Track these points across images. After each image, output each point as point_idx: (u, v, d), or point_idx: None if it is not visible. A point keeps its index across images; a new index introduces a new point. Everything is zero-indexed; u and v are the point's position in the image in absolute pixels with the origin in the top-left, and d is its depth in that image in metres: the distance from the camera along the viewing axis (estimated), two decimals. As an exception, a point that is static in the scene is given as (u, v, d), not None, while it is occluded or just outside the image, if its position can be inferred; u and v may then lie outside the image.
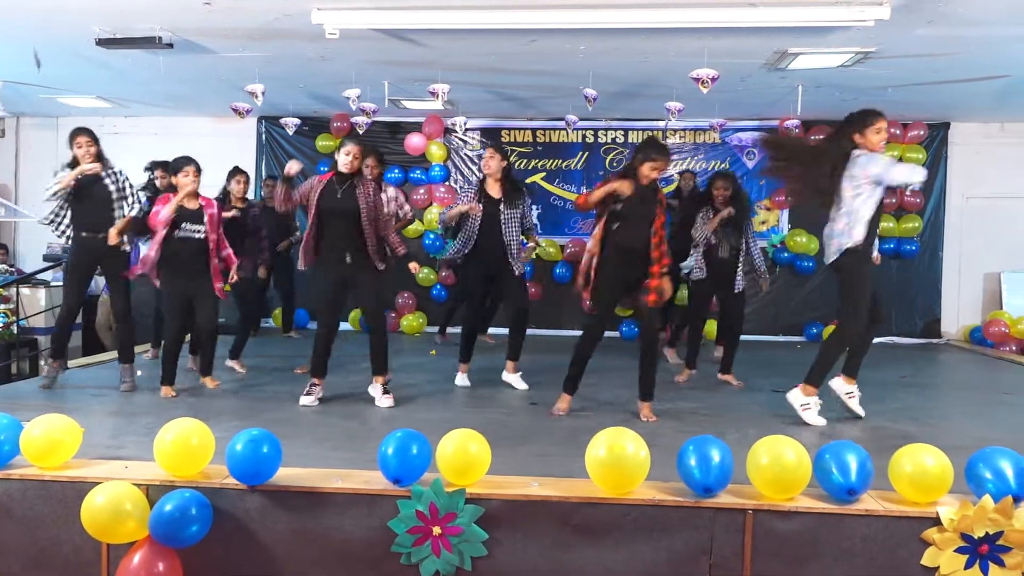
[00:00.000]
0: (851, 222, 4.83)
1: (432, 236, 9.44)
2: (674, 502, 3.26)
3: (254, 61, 6.90)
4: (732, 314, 6.41)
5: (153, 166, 7.05)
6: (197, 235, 5.47)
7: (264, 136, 9.95)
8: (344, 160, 5.16)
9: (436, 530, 3.25)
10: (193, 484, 3.36)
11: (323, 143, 9.76)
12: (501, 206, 5.77)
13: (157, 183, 6.92)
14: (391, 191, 6.57)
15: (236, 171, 6.69)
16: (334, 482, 3.40)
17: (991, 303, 9.71)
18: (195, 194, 5.49)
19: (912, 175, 4.79)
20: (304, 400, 5.30)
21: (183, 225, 5.45)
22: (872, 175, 4.73)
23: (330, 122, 9.64)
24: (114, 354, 6.50)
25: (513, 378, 6.00)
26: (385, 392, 5.36)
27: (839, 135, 4.88)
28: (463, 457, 3.33)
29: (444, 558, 3.25)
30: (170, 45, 6.24)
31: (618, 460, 3.25)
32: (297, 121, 8.92)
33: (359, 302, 5.54)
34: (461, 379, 6.05)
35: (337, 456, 3.98)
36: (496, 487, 3.36)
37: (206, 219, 5.50)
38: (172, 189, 5.55)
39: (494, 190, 5.82)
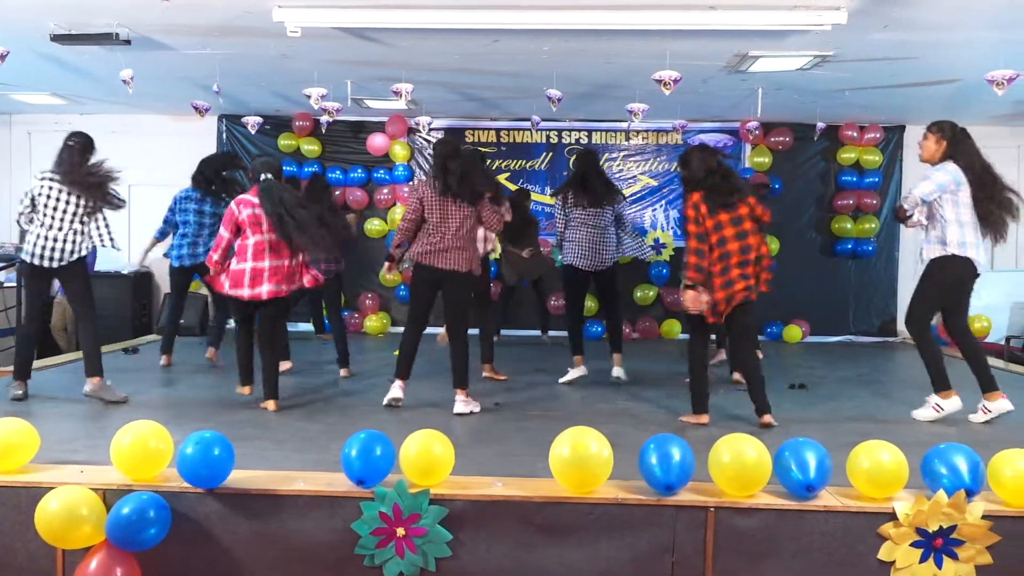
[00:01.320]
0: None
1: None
2: (636, 500, 3.28)
3: (214, 59, 6.81)
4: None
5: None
6: None
7: (225, 135, 9.82)
8: None
9: (400, 531, 3.23)
10: (152, 488, 3.31)
11: (285, 142, 9.67)
12: None
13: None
14: None
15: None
16: (296, 484, 3.37)
17: (945, 302, 9.92)
18: None
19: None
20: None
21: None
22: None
23: (292, 121, 9.56)
24: (71, 356, 6.39)
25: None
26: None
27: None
28: (427, 458, 3.32)
29: (408, 559, 3.24)
30: (128, 42, 6.13)
31: (581, 459, 3.26)
32: (259, 120, 8.82)
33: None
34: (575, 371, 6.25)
35: (300, 458, 3.94)
36: (460, 488, 3.35)
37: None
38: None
39: None
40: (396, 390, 5.28)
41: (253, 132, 9.04)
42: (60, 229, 5.14)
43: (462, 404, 5.14)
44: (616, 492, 3.33)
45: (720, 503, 3.27)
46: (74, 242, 5.18)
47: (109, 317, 8.75)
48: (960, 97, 8.04)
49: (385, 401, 5.25)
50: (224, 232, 5.15)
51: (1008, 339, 8.46)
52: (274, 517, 3.31)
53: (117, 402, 5.23)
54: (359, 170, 9.72)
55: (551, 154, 9.83)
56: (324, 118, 8.30)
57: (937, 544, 3.19)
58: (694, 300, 4.72)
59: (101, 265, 9.22)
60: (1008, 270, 9.87)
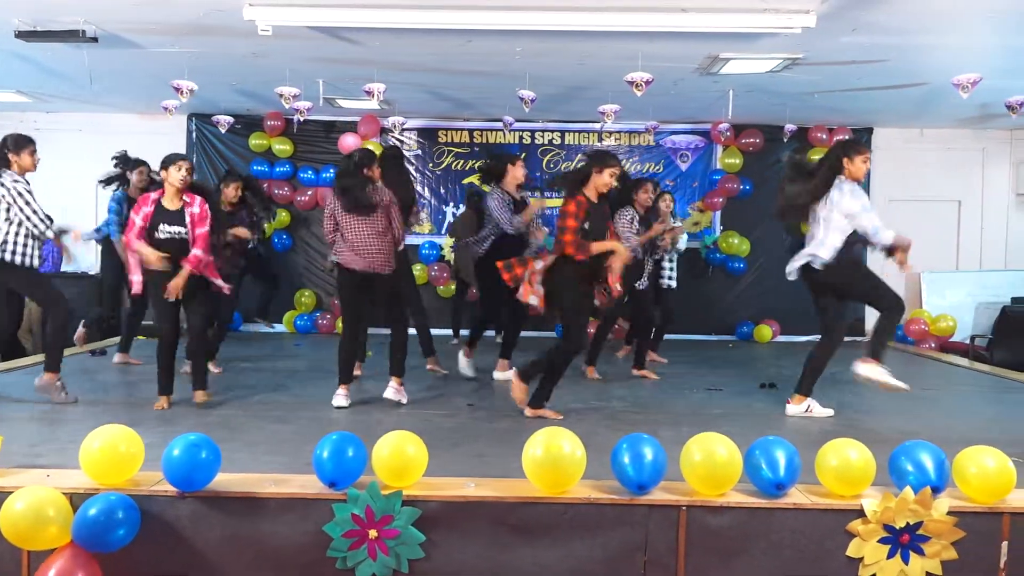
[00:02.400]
0: (822, 240, 5.00)
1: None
2: (609, 500, 3.30)
3: (184, 57, 6.74)
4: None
5: (127, 162, 6.62)
6: (178, 236, 5.08)
7: (195, 134, 9.72)
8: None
9: (372, 533, 3.22)
10: (122, 492, 3.26)
11: (256, 141, 9.59)
12: None
13: (133, 179, 6.57)
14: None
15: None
16: (268, 487, 3.35)
17: (912, 302, 10.07)
18: (180, 192, 5.10)
19: (880, 232, 4.97)
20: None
21: (160, 227, 5.05)
22: (846, 209, 4.88)
23: (264, 120, 9.49)
24: (38, 358, 6.28)
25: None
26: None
27: (830, 157, 5.02)
28: (399, 459, 3.31)
29: (381, 561, 3.23)
30: (95, 39, 6.04)
31: (555, 460, 3.27)
32: (230, 119, 8.75)
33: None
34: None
35: (271, 460, 3.91)
36: (433, 489, 3.35)
37: (187, 218, 5.08)
38: (149, 188, 5.29)
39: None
40: (341, 398, 5.31)
41: (223, 131, 8.97)
42: None
43: (393, 391, 5.36)
44: (589, 492, 3.34)
45: (692, 502, 3.29)
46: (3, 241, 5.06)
47: (75, 319, 8.60)
48: (927, 100, 8.18)
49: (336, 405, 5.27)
50: (135, 216, 5.16)
51: (972, 338, 8.61)
52: (246, 520, 3.28)
53: (64, 404, 5.16)
54: (331, 170, 9.62)
55: (524, 154, 9.68)
56: (296, 117, 8.25)
57: (904, 540, 3.24)
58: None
59: (67, 265, 9.06)
60: (972, 271, 10.07)
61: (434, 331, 6.90)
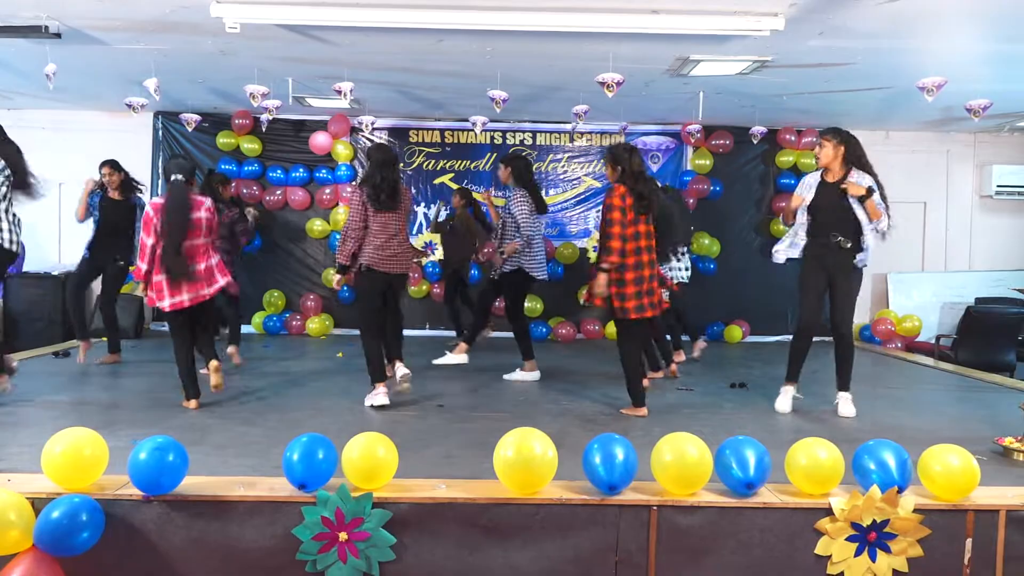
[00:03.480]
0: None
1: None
2: (580, 500, 3.31)
3: (150, 54, 6.65)
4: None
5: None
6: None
7: (161, 132, 9.59)
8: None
9: (342, 536, 3.20)
10: (86, 495, 3.21)
11: (224, 140, 9.49)
12: None
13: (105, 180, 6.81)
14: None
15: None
16: (236, 490, 3.32)
17: (879, 303, 10.23)
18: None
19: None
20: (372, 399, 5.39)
21: None
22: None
23: (232, 119, 9.39)
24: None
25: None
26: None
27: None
28: (370, 461, 3.30)
29: (351, 564, 3.21)
30: (58, 35, 5.94)
31: (526, 461, 3.28)
32: (197, 117, 8.64)
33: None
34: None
35: (240, 463, 3.89)
36: (403, 490, 3.34)
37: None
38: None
39: None
40: (381, 396, 5.34)
41: (190, 130, 8.86)
42: None
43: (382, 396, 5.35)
44: (561, 492, 3.35)
45: (663, 501, 3.31)
46: None
47: (38, 320, 8.47)
48: (892, 103, 8.30)
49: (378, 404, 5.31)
50: (146, 239, 5.06)
51: (938, 338, 8.75)
52: (214, 523, 3.25)
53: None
54: (301, 169, 9.59)
55: (495, 155, 9.83)
56: (264, 116, 8.18)
57: (871, 538, 3.29)
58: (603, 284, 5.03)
59: (30, 265, 8.94)
60: (938, 272, 10.24)
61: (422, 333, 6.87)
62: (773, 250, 5.57)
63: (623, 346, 5.23)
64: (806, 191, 5.36)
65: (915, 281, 10.14)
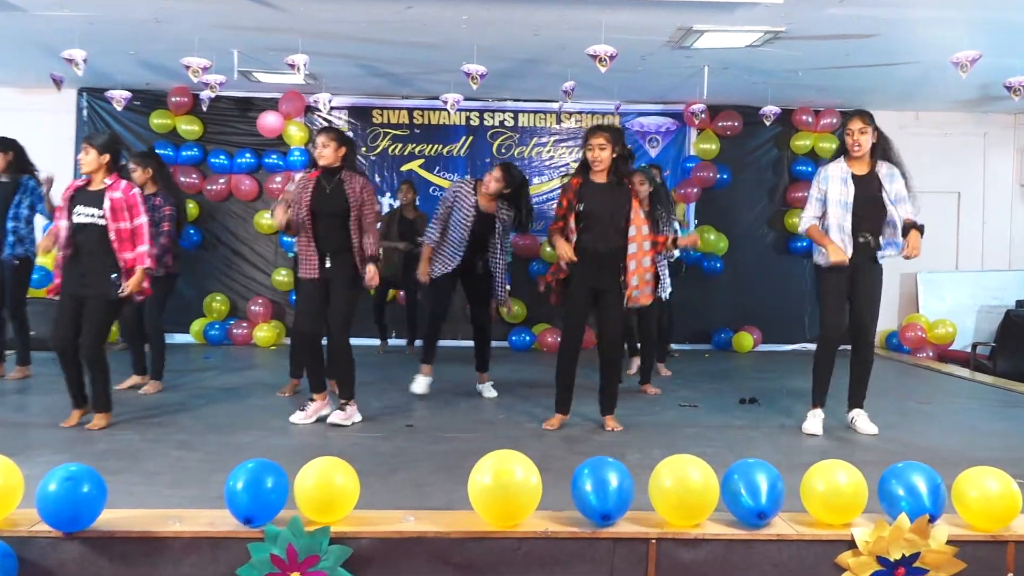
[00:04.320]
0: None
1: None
2: (569, 533, 3.30)
3: (74, 22, 6.60)
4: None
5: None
6: (94, 220, 5.07)
7: (86, 111, 9.53)
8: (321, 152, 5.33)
9: (295, 576, 3.18)
10: (-7, 533, 3.17)
11: (159, 121, 9.44)
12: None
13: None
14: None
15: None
16: (171, 524, 3.28)
17: (908, 306, 10.31)
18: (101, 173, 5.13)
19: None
20: (296, 417, 5.44)
21: (76, 209, 5.08)
22: None
23: (168, 96, 9.34)
24: None
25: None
26: (343, 408, 5.47)
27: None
28: (326, 490, 3.27)
29: (304, 609, 3.18)
30: (-35, -1, 5.89)
31: (505, 488, 3.26)
32: (127, 95, 8.59)
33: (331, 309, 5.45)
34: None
35: (175, 493, 3.86)
36: (365, 524, 3.32)
37: (107, 203, 5.06)
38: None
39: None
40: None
41: (120, 109, 8.80)
42: None
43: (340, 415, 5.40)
44: (546, 524, 3.34)
45: (662, 534, 3.31)
46: None
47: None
48: (922, 80, 8.38)
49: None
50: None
51: (974, 346, 8.84)
52: (145, 564, 3.21)
53: None
54: (248, 154, 9.55)
55: (471, 138, 9.84)
56: (206, 93, 8.13)
57: (899, 574, 3.30)
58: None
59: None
60: (974, 271, 10.33)
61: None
62: (815, 259, 5.45)
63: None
64: (841, 187, 5.24)
65: (948, 282, 10.23)
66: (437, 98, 9.07)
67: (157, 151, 7.74)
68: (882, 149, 5.34)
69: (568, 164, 9.84)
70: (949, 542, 3.31)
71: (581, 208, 5.22)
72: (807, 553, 3.33)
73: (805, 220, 5.38)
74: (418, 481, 4.17)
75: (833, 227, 5.25)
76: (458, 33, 6.83)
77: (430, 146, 9.82)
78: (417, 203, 8.78)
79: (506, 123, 9.87)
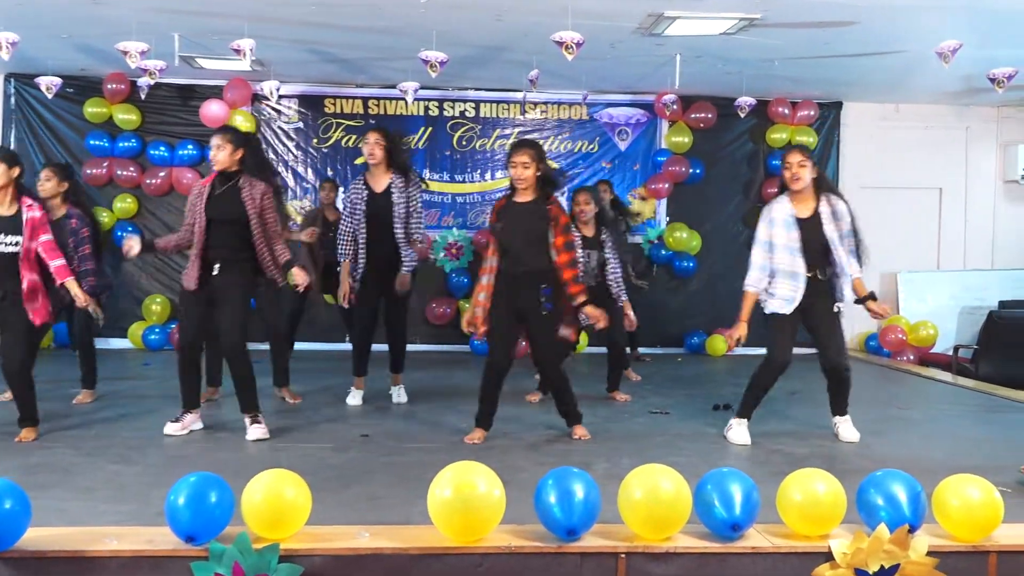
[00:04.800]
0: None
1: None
2: (533, 548, 3.31)
3: (1, 2, 6.50)
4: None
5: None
6: (9, 248, 5.05)
7: (14, 99, 9.40)
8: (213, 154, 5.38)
9: (241, 597, 3.16)
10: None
11: (94, 110, 9.33)
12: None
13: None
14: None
15: None
16: (107, 543, 3.25)
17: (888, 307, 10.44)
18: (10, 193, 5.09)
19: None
20: (170, 428, 5.37)
21: None
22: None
23: (103, 83, 9.24)
24: None
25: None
26: (256, 422, 5.38)
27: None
28: (276, 505, 3.26)
29: (252, 631, 3.17)
30: None
31: (467, 502, 3.26)
32: (58, 81, 8.47)
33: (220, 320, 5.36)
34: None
35: (112, 510, 3.83)
36: (318, 540, 3.31)
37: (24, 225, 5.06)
38: None
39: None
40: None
41: (50, 96, 8.67)
42: None
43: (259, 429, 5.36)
44: (509, 539, 3.35)
45: (632, 548, 3.33)
46: None
47: None
48: (903, 71, 8.50)
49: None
50: None
51: (956, 348, 8.98)
52: (78, 585, 3.18)
53: None
54: (190, 145, 9.47)
55: (430, 129, 9.83)
56: (144, 80, 8.05)
57: (878, 587, 3.34)
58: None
59: None
60: (956, 270, 10.49)
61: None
62: (762, 302, 5.49)
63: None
64: (787, 229, 5.30)
65: (930, 282, 10.40)
66: (394, 87, 9.07)
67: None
68: (827, 182, 5.49)
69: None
70: (930, 553, 3.36)
71: (499, 228, 5.27)
72: (783, 566, 3.37)
73: (751, 277, 5.40)
74: (374, 494, 4.17)
75: (782, 273, 5.31)
76: (416, 17, 6.81)
77: (386, 138, 9.79)
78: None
79: (467, 113, 9.87)
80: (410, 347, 8.49)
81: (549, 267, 5.22)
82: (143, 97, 9.03)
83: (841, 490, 3.45)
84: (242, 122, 9.38)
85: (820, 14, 6.68)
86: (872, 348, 10.02)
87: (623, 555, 3.32)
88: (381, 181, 6.16)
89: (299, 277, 5.35)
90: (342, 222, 6.29)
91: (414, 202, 6.21)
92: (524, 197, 5.27)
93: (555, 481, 3.37)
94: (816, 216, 5.29)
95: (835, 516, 3.43)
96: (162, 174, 9.45)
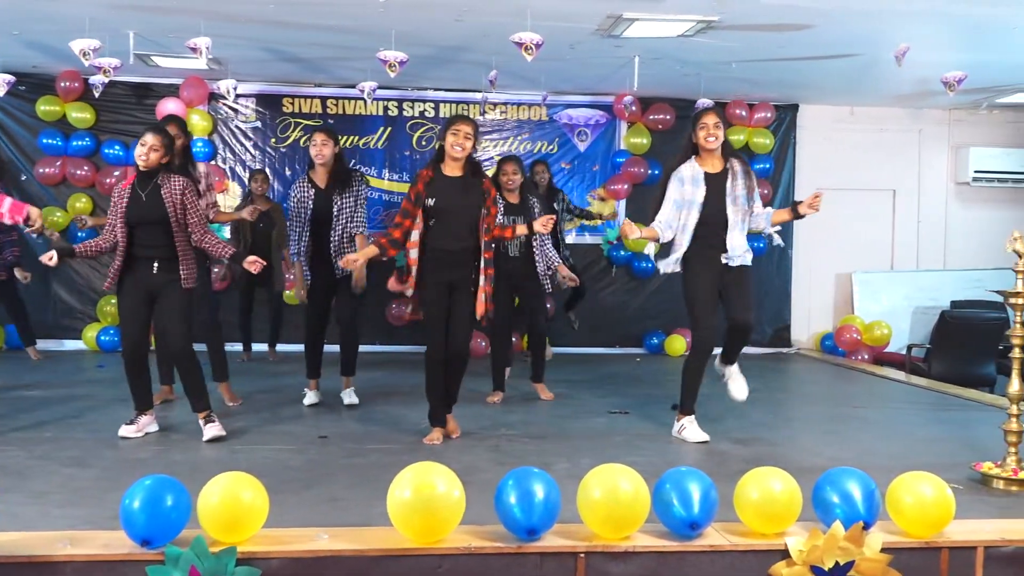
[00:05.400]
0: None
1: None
2: (493, 548, 3.32)
3: (-52, -3, 6.40)
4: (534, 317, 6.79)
5: None
6: None
7: (-36, 96, 9.24)
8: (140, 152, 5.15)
9: (198, 601, 3.13)
10: None
11: (46, 108, 9.20)
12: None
13: None
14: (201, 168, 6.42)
15: None
16: (60, 547, 3.21)
17: (843, 307, 10.61)
18: None
19: None
20: (125, 430, 5.31)
21: None
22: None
23: (56, 81, 9.11)
24: None
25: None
26: (209, 421, 5.32)
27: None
28: (233, 507, 3.23)
29: (209, 636, 3.14)
30: None
31: (427, 503, 3.26)
32: (11, 79, 8.32)
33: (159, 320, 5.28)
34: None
35: (65, 514, 3.79)
36: (276, 543, 3.29)
37: None
38: None
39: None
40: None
41: (2, 94, 8.53)
42: None
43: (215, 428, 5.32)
44: (469, 540, 3.35)
45: (591, 547, 3.35)
46: None
47: None
48: (858, 74, 8.62)
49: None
50: None
51: (909, 348, 9.12)
52: (31, 591, 3.14)
53: None
54: (145, 145, 9.35)
55: (389, 129, 9.80)
56: (98, 78, 7.94)
57: (833, 583, 3.39)
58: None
59: None
60: (909, 271, 10.67)
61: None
62: (660, 264, 5.54)
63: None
64: (694, 187, 5.34)
65: (884, 282, 10.56)
66: (353, 86, 9.03)
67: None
68: (732, 148, 5.55)
69: (492, 158, 9.86)
70: (884, 549, 3.41)
71: (431, 203, 5.11)
72: (741, 564, 3.41)
73: (656, 224, 5.37)
74: (333, 496, 4.15)
75: (687, 229, 5.33)
76: (375, 17, 6.79)
77: (346, 137, 9.73)
78: (269, 194, 8.80)
79: (427, 114, 9.86)
80: (370, 347, 8.53)
81: (478, 244, 5.17)
82: (97, 95, 8.88)
83: (797, 488, 3.49)
84: (199, 121, 9.30)
85: (777, 17, 6.76)
86: (827, 347, 10.16)
87: (583, 555, 3.34)
88: (327, 180, 6.15)
89: (254, 267, 5.29)
90: (290, 221, 6.24)
91: (361, 198, 6.21)
92: (454, 171, 5.17)
93: (515, 481, 3.38)
94: (724, 172, 5.39)
95: (791, 514, 3.47)
96: (116, 173, 9.32)
